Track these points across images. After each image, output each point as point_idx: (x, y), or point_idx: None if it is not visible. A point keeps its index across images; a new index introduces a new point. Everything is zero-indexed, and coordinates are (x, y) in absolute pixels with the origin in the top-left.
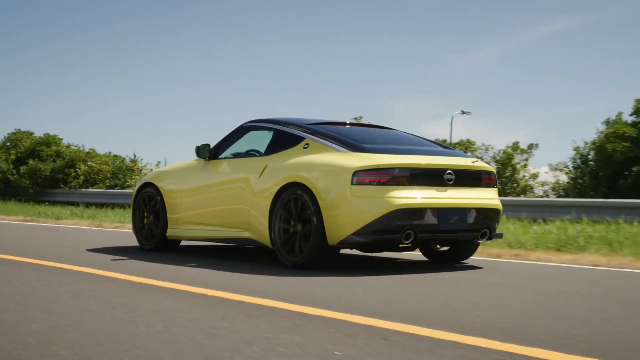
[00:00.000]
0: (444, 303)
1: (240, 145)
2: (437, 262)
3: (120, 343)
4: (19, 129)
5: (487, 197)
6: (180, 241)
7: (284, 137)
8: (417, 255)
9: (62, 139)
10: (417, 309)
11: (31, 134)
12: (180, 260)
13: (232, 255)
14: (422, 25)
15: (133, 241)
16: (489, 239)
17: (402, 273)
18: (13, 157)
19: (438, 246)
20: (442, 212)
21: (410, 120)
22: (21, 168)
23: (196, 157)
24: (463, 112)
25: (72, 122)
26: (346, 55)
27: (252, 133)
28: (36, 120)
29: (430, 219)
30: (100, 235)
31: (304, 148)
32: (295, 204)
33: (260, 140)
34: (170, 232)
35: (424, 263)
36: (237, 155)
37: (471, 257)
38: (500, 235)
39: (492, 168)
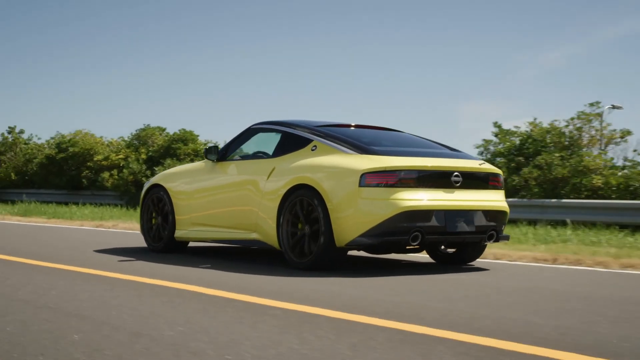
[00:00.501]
0: (462, 305)
1: (248, 147)
2: (443, 264)
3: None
4: (148, 125)
5: (494, 199)
6: (188, 243)
7: (292, 139)
8: (423, 257)
9: (198, 135)
10: (423, 309)
11: (163, 130)
12: (195, 262)
13: (241, 256)
14: (491, 28)
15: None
16: (496, 240)
17: (408, 274)
18: (144, 156)
19: (444, 248)
20: (450, 214)
21: (479, 124)
22: (155, 169)
23: (204, 159)
24: (614, 107)
25: (204, 117)
26: (416, 58)
27: (260, 135)
28: (164, 116)
29: (438, 221)
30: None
31: (312, 150)
32: (303, 206)
33: (268, 142)
34: (179, 233)
35: (430, 265)
36: (245, 157)
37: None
38: (507, 237)
39: (498, 170)
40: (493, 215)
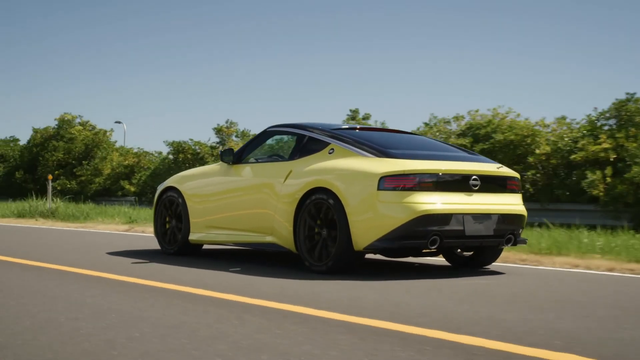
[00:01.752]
0: (486, 310)
1: (263, 150)
2: (459, 268)
3: None
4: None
5: (512, 202)
6: (202, 245)
7: (309, 142)
8: (438, 260)
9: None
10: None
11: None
12: (224, 266)
13: (263, 259)
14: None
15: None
16: (514, 244)
17: (425, 278)
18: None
19: (461, 251)
20: (468, 218)
21: None
22: None
23: (220, 161)
24: None
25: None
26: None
27: (276, 138)
28: None
29: (456, 225)
30: None
31: (329, 153)
32: (321, 209)
33: (284, 145)
34: (193, 236)
35: (446, 268)
36: (260, 160)
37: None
38: (524, 241)
39: (516, 174)
40: (511, 219)
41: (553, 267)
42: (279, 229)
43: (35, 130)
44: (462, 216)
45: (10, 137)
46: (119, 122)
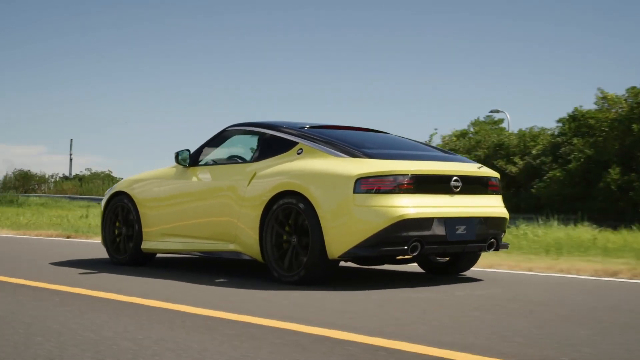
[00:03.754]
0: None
1: (221, 152)
2: (435, 275)
3: None
4: None
5: (494, 205)
6: (155, 254)
7: (274, 141)
8: (410, 267)
9: None
10: (424, 328)
11: None
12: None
13: (223, 268)
14: None
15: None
16: (496, 249)
17: (401, 287)
18: None
19: (437, 257)
20: (450, 222)
21: None
22: None
23: (175, 164)
24: None
25: None
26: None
27: (235, 138)
28: None
29: (438, 230)
30: None
31: (298, 153)
32: (290, 215)
33: (244, 145)
34: (146, 245)
35: (421, 275)
36: (219, 162)
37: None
38: (506, 246)
39: (496, 174)
40: (494, 222)
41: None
42: (243, 236)
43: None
44: (444, 220)
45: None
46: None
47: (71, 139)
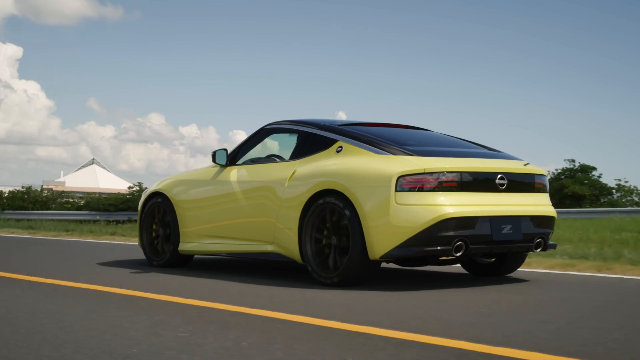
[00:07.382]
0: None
1: (259, 150)
2: (479, 276)
3: None
4: None
5: (541, 203)
6: (193, 256)
7: (313, 139)
8: (454, 268)
9: None
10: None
11: None
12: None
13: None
14: None
15: None
16: (544, 249)
17: (444, 287)
18: None
19: (482, 258)
20: (496, 221)
21: None
22: None
23: (212, 164)
24: None
25: None
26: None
27: (273, 136)
28: None
29: (483, 229)
30: None
31: (337, 152)
32: (330, 214)
33: (282, 144)
34: (184, 246)
35: (465, 276)
36: (257, 161)
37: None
38: (554, 246)
39: (544, 171)
40: (541, 221)
41: None
42: (281, 237)
43: None
44: (489, 219)
45: None
46: None
47: None
